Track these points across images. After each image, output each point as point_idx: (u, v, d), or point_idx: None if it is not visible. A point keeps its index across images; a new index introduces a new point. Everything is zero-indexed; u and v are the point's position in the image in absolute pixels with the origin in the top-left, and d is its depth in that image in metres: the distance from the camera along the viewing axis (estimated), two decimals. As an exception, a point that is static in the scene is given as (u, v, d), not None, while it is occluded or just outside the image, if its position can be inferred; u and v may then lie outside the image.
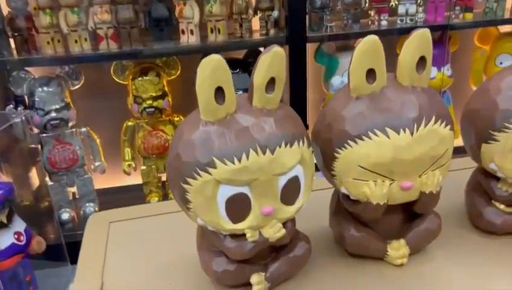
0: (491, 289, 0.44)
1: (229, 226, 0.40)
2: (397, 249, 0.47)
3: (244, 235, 0.41)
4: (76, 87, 1.31)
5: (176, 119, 1.32)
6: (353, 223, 0.47)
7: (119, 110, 1.38)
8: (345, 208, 0.48)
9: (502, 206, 0.50)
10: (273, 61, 0.39)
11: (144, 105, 1.25)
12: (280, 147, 0.39)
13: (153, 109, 1.26)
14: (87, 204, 1.40)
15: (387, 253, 0.47)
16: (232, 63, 1.29)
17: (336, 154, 0.43)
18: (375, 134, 0.41)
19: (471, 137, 0.50)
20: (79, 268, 0.51)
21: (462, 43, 1.44)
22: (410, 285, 0.45)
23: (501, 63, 1.38)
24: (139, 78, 1.25)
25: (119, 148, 1.39)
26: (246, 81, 1.38)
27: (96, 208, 1.40)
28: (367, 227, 0.47)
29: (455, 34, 1.38)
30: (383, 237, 0.48)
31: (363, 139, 0.42)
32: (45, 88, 1.23)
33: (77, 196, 1.41)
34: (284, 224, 0.43)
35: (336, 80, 1.24)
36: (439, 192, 0.45)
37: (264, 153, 0.38)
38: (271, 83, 0.40)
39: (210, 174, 0.38)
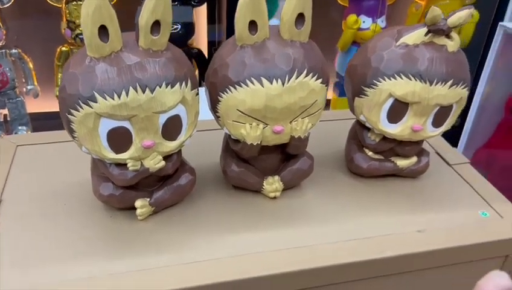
0: (349, 219, 0.52)
1: (111, 155, 0.45)
2: (271, 184, 0.53)
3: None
4: (6, 5, 1.25)
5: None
6: (235, 160, 0.53)
7: (55, 33, 1.34)
8: (231, 146, 0.53)
9: (370, 153, 0.58)
10: (157, 3, 0.42)
11: (77, 31, 1.23)
12: (160, 87, 0.43)
13: (86, 36, 1.23)
14: (19, 127, 1.40)
15: (263, 187, 0.54)
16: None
17: (219, 98, 0.48)
18: (252, 82, 0.46)
19: (349, 90, 0.55)
20: (-20, 186, 0.54)
21: (402, -4, 1.48)
22: (280, 214, 0.52)
23: (433, 20, 1.43)
24: (73, 2, 1.21)
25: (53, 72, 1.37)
26: (186, 14, 1.37)
27: (29, 132, 1.40)
28: (247, 164, 0.53)
29: (394, -14, 1.41)
30: (260, 173, 0.54)
31: (241, 86, 0.46)
32: (-30, 4, 1.17)
33: (8, 118, 1.39)
34: (170, 156, 0.48)
35: (273, 23, 1.25)
36: (307, 137, 0.51)
37: (143, 92, 0.42)
38: (157, 25, 0.43)
39: (91, 107, 0.41)
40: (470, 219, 0.53)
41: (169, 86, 0.43)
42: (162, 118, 0.44)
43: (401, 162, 0.57)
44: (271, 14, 1.28)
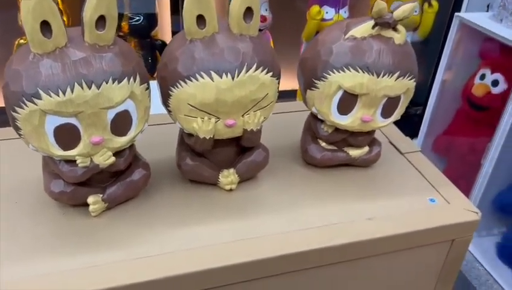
0: (301, 209, 0.53)
1: (59, 152, 0.44)
2: (227, 177, 0.54)
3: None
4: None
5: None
6: (189, 154, 0.53)
7: (12, 25, 1.30)
8: (185, 140, 0.53)
9: (323, 144, 0.59)
10: (102, -2, 0.41)
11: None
12: (107, 82, 0.42)
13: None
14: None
15: (219, 179, 0.54)
16: (132, -14, 1.25)
17: (170, 92, 0.48)
18: (202, 76, 0.46)
19: (301, 83, 0.56)
20: None
21: (365, -14, 1.50)
22: (234, 206, 0.53)
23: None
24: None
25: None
26: (149, 5, 1.35)
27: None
28: (202, 157, 0.54)
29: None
30: (216, 166, 0.54)
31: (191, 80, 0.46)
32: None
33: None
34: (121, 152, 0.48)
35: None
36: (260, 130, 0.51)
37: (89, 88, 0.42)
38: (103, 20, 0.43)
39: (36, 104, 0.41)
40: (419, 205, 0.55)
41: (116, 82, 0.43)
42: (110, 114, 0.44)
43: (354, 152, 0.59)
44: None
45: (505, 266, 1.08)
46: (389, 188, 0.58)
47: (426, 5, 1.43)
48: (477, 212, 0.54)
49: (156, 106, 0.51)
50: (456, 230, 0.54)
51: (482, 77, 1.07)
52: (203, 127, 0.49)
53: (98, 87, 0.42)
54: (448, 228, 0.53)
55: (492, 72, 1.04)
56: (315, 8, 1.33)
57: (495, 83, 1.04)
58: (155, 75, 0.50)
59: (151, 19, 1.31)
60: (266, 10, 1.27)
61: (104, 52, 0.43)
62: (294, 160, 0.62)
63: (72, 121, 0.43)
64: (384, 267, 0.54)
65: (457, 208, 0.55)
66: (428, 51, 1.56)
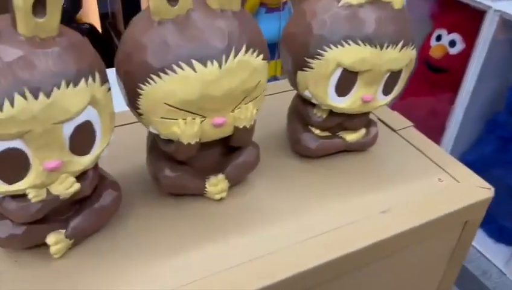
0: (306, 211, 0.46)
1: (2, 188, 0.33)
2: (215, 185, 0.45)
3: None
4: None
5: None
6: (168, 163, 0.43)
7: None
8: (160, 147, 0.43)
9: (317, 131, 0.51)
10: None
11: None
12: (59, 88, 0.31)
13: None
14: None
15: (206, 189, 0.45)
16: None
17: (140, 91, 0.37)
18: (180, 67, 0.36)
19: (289, 63, 0.48)
20: None
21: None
22: (229, 218, 0.44)
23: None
24: None
25: None
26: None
27: None
28: (184, 164, 0.44)
29: None
30: (201, 174, 0.45)
31: (167, 73, 0.36)
32: None
33: None
34: (85, 174, 0.37)
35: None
36: (253, 125, 0.43)
37: (36, 98, 0.30)
38: (40, 2, 0.31)
39: (-40, 129, 0.29)
40: (430, 189, 0.50)
41: (71, 85, 0.32)
42: (68, 129, 0.33)
43: (350, 136, 0.52)
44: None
45: (484, 234, 1.09)
46: (393, 173, 0.52)
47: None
48: (489, 188, 0.50)
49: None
50: (470, 211, 0.49)
51: (438, 38, 1.05)
52: (187, 131, 0.39)
53: (48, 95, 0.31)
54: (463, 210, 0.48)
55: (448, 33, 1.02)
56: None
57: (452, 43, 1.02)
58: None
59: (74, 1, 1.15)
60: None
61: (50, 47, 0.32)
62: (283, 152, 0.54)
63: (17, 144, 0.31)
64: (395, 260, 0.49)
65: (469, 186, 0.50)
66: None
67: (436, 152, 0.55)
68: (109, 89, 0.36)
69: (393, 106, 1.24)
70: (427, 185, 0.50)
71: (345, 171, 0.52)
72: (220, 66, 0.37)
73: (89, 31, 1.19)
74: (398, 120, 0.61)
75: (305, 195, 0.48)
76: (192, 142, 0.40)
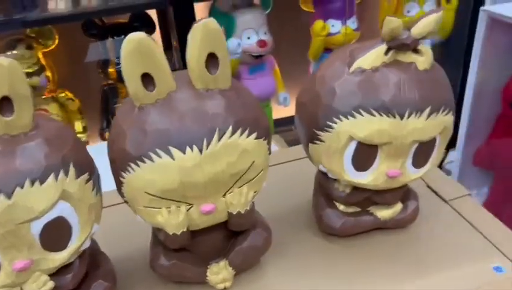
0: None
1: (-28, 289, 0.32)
2: (217, 273, 0.41)
3: (3, 292, 0.33)
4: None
5: (61, 95, 1.18)
6: (164, 250, 0.40)
7: None
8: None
9: (341, 207, 0.45)
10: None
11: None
12: (22, 187, 0.30)
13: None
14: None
15: (207, 278, 0.41)
16: (117, 28, 1.16)
17: (122, 179, 0.35)
18: (158, 155, 0.33)
19: (302, 134, 0.43)
20: None
21: (369, -8, 1.37)
22: (234, 311, 0.40)
23: (408, 12, 1.32)
24: (7, 53, 1.09)
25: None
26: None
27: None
28: (181, 250, 0.41)
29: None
30: (201, 260, 0.41)
31: (144, 162, 0.34)
32: None
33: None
34: (69, 266, 0.36)
35: (232, 43, 1.14)
36: (250, 210, 0.38)
37: (-4, 199, 0.30)
38: (7, 100, 0.31)
39: None
40: (481, 277, 0.40)
41: (36, 183, 0.31)
42: (36, 227, 0.32)
43: (383, 213, 0.45)
44: (229, 35, 1.16)
45: None
46: (435, 256, 0.43)
47: (444, 1, 1.28)
48: None
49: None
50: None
51: (525, 76, 0.91)
52: (171, 221, 0.36)
53: (9, 196, 0.30)
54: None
55: (536, 70, 0.88)
56: (318, 24, 1.19)
57: (541, 82, 0.88)
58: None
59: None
60: (265, 34, 1.15)
61: (19, 144, 0.31)
62: (306, 227, 0.48)
63: (-19, 247, 0.31)
64: None
65: (536, 279, 0.40)
66: (451, 51, 1.40)
67: (494, 227, 0.45)
68: (88, 180, 0.35)
69: (477, 151, 1.10)
70: (479, 272, 0.41)
71: (376, 253, 0.44)
72: (201, 151, 0.33)
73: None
74: (453, 187, 0.52)
75: (328, 282, 0.41)
76: (178, 233, 0.36)
